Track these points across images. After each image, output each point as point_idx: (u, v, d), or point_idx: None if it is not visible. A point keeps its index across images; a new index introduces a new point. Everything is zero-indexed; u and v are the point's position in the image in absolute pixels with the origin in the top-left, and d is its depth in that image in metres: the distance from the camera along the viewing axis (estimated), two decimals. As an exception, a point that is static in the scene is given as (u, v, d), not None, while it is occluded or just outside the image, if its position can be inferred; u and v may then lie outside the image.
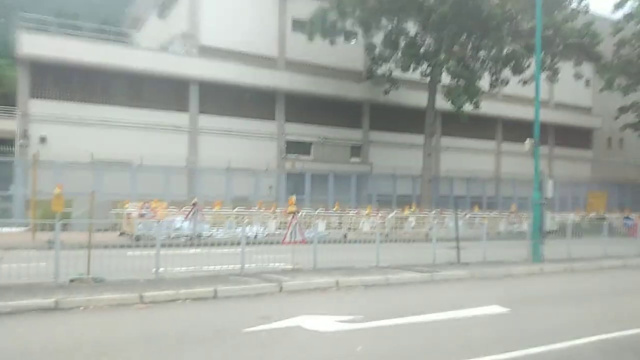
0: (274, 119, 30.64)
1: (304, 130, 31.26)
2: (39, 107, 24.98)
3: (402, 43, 27.96)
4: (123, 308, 7.54)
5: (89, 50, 25.38)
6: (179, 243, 16.78)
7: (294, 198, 12.13)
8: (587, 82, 33.00)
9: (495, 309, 8.47)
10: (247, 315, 7.44)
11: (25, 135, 24.73)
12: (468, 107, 26.63)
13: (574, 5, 25.97)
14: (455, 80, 26.72)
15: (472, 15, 24.40)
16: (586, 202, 34.03)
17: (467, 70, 25.96)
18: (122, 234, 18.06)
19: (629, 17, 33.91)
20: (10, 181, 26.06)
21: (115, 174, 24.55)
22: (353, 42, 31.87)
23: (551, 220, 16.98)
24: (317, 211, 22.10)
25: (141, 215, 17.72)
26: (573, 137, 40.41)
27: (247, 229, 19.33)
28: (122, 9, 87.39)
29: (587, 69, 33.83)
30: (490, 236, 18.16)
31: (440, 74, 26.57)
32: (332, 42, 27.49)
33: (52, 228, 17.38)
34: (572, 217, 25.60)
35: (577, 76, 29.11)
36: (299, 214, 15.50)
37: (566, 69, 30.17)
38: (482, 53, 27.03)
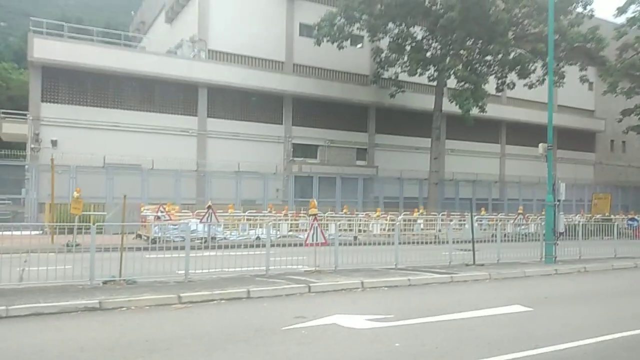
0: (281, 123, 30.96)
1: (311, 133, 31.59)
2: (50, 111, 25.27)
3: (408, 47, 28.29)
4: (162, 308, 7.81)
5: (100, 55, 25.72)
6: (194, 245, 17.04)
7: (315, 201, 12.38)
8: (590, 85, 33.35)
9: (518, 308, 8.73)
10: (283, 315, 7.70)
11: (36, 139, 24.98)
12: (474, 111, 26.97)
13: (579, 9, 26.31)
14: (462, 84, 27.06)
15: (479, 21, 24.75)
16: (590, 204, 34.31)
17: (474, 74, 26.29)
18: (138, 236, 18.31)
19: (632, 21, 34.27)
20: (21, 185, 26.33)
21: (126, 177, 24.81)
22: (359, 46, 32.27)
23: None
24: (326, 214, 22.39)
25: (157, 218, 17.96)
26: (576, 139, 40.77)
27: (260, 231, 19.71)
28: (124, 13, 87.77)
29: (589, 72, 34.15)
30: (495, 238, 18.46)
31: (448, 77, 26.90)
32: (339, 47, 27.80)
33: (70, 231, 17.67)
34: (577, 218, 25.90)
35: (583, 80, 29.46)
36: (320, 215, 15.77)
37: (570, 72, 30.52)
38: (488, 57, 27.36)
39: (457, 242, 15.35)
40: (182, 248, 15.93)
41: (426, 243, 14.74)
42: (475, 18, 24.73)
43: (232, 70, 28.78)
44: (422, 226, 22.67)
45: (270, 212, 22.22)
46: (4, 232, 13.40)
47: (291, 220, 21.23)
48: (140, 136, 26.49)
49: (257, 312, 7.88)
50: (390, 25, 27.87)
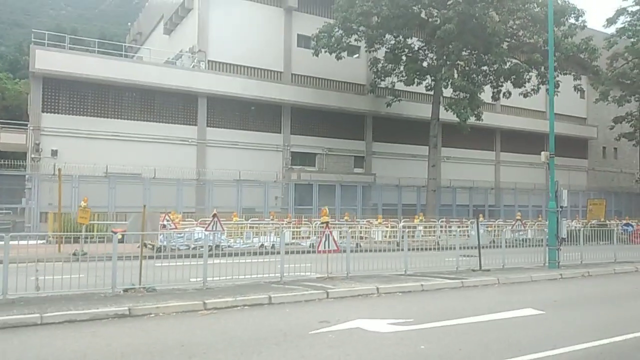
0: (280, 132, 31.25)
1: (309, 141, 31.91)
2: (50, 121, 25.37)
3: (405, 57, 28.78)
4: (189, 314, 8.00)
5: (100, 66, 25.92)
6: (200, 253, 17.15)
7: (327, 209, 12.63)
8: (582, 94, 34.10)
9: (531, 312, 9.02)
10: (307, 319, 7.92)
11: (37, 148, 25.03)
12: (471, 119, 27.45)
13: (572, 20, 26.95)
14: (458, 93, 27.55)
15: (476, 32, 25.29)
16: (585, 210, 34.86)
17: (470, 83, 26.79)
18: (143, 245, 18.39)
19: (621, 31, 35.14)
20: (19, 194, 26.32)
21: (128, 186, 24.91)
22: (356, 56, 32.74)
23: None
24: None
25: (163, 227, 18.09)
26: (570, 146, 41.45)
27: (264, 239, 19.90)
28: (117, 24, 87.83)
29: (582, 80, 34.83)
30: (497, 243, 18.82)
31: (445, 87, 27.38)
32: (337, 58, 28.21)
33: (75, 240, 17.74)
34: (574, 224, 26.35)
35: (577, 89, 30.09)
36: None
37: (563, 81, 31.14)
38: (484, 67, 27.90)
39: (462, 247, 15.63)
40: (192, 256, 16.09)
41: (428, 249, 15.00)
42: (471, 30, 25.27)
43: (231, 81, 29.07)
44: (422, 233, 22.97)
45: (272, 220, 22.42)
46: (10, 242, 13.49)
47: (293, 227, 21.43)
48: (141, 145, 26.63)
49: (281, 317, 8.10)
50: (387, 36, 28.36)
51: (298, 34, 31.72)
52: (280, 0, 31.22)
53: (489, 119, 33.04)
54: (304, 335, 7.01)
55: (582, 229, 18.62)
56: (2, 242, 8.69)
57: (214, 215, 18.97)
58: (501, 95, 29.73)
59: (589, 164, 45.09)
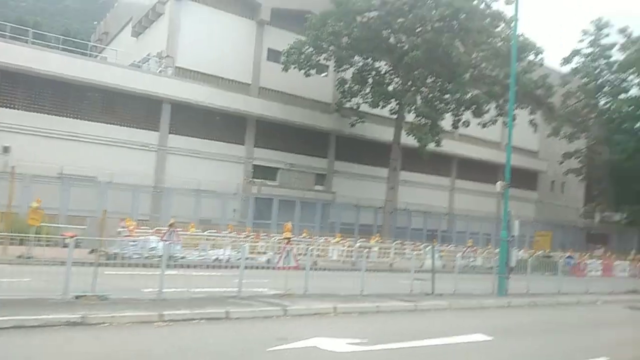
0: (243, 144, 31.18)
1: (272, 155, 31.96)
2: (5, 116, 24.37)
3: (371, 80, 29.45)
4: (145, 325, 7.85)
5: (63, 63, 25.27)
6: (153, 263, 16.80)
7: (290, 225, 12.71)
8: (536, 128, 35.74)
9: (481, 337, 9.34)
10: (265, 336, 7.93)
11: (-13, 144, 23.98)
12: (430, 145, 28.27)
13: (531, 57, 28.35)
14: (420, 118, 28.36)
15: (442, 61, 26.24)
16: (532, 240, 36.29)
17: (433, 110, 27.65)
18: (93, 251, 17.86)
19: (575, 71, 37.19)
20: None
21: (82, 189, 24.18)
22: (324, 75, 33.22)
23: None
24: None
25: (117, 234, 17.63)
26: (520, 178, 43.08)
27: (220, 252, 19.69)
28: (80, 21, 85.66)
29: (536, 115, 36.49)
30: (447, 269, 19.34)
31: (408, 112, 28.14)
32: (306, 75, 28.56)
33: (22, 243, 17.04)
34: (521, 254, 27.37)
35: (532, 124, 31.56)
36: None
37: (518, 115, 32.57)
38: (447, 96, 28.88)
39: (416, 271, 15.98)
40: (144, 266, 15.73)
41: (383, 271, 15.28)
42: (437, 58, 26.20)
43: (197, 88, 28.84)
44: (377, 254, 23.33)
45: (230, 232, 22.22)
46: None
47: (251, 242, 21.30)
48: (99, 148, 25.96)
49: (238, 333, 8.08)
50: (356, 57, 28.98)
51: (269, 48, 31.91)
52: (253, 13, 31.37)
53: (448, 146, 34.06)
54: (261, 352, 7.02)
55: (529, 258, 19.41)
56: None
57: (171, 225, 18.67)
58: (460, 123, 30.77)
59: (538, 196, 47.03)
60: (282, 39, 30.13)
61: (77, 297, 9.36)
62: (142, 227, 21.17)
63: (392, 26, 27.15)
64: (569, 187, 48.81)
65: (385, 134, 32.21)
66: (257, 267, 17.62)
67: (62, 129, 25.25)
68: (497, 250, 16.88)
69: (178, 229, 19.57)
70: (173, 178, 27.57)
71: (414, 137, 28.03)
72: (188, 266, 17.09)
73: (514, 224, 14.96)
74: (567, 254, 29.84)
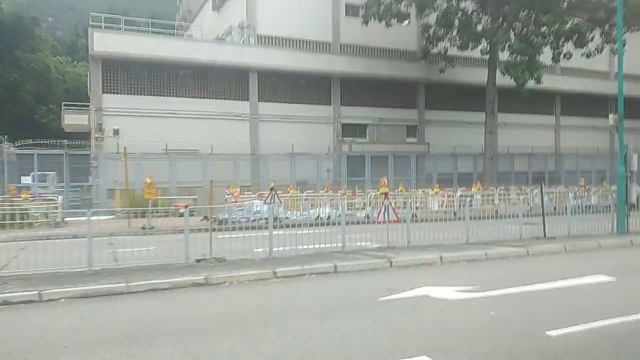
0: (330, 104, 31.20)
1: (360, 112, 31.72)
2: (111, 101, 26.38)
3: (458, 22, 27.83)
4: (261, 282, 8.35)
5: (154, 45, 26.61)
6: (261, 225, 17.64)
7: (385, 180, 12.66)
8: (651, 51, 31.92)
9: (602, 278, 8.81)
10: (374, 287, 8.09)
11: (100, 128, 26.17)
12: (529, 83, 26.40)
13: (639, -28, 25.14)
14: (515, 56, 26.45)
15: (534, -10, 24.08)
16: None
17: (528, 46, 25.65)
18: (205, 218, 19.10)
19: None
20: (85, 173, 27.68)
21: (186, 162, 25.74)
22: (406, 23, 31.94)
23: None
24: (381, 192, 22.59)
25: (224, 201, 18.65)
26: (636, 108, 39.19)
27: (320, 210, 20.17)
28: (165, 2, 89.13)
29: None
30: (560, 211, 18.25)
31: (502, 50, 26.37)
32: (387, 25, 27.63)
33: (142, 215, 18.57)
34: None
35: (645, 46, 28.30)
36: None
37: (631, 39, 29.29)
38: (543, 28, 26.59)
39: (524, 215, 15.30)
40: (253, 228, 16.57)
41: (487, 218, 14.75)
42: (529, -12, 24.08)
43: (280, 54, 29.15)
44: (480, 202, 22.57)
45: (327, 192, 22.64)
46: (80, 218, 14.30)
47: (348, 199, 21.56)
48: (196, 122, 27.30)
49: (349, 285, 8.31)
50: (439, 0, 27.44)
51: (346, 3, 31.24)
52: (327, -30, 30.72)
53: (548, 81, 31.54)
54: (373, 302, 7.18)
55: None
56: (85, 218, 9.27)
57: (272, 189, 19.41)
58: (561, 56, 28.32)
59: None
60: (359, -8, 29.31)
61: (197, 261, 10.13)
62: (245, 193, 22.22)
63: (476, -40, 25.29)
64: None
65: (477, 76, 30.55)
66: (357, 223, 17.88)
67: (161, 107, 26.83)
68: (614, 187, 15.64)
69: (278, 192, 20.31)
70: (267, 144, 28.42)
71: (510, 77, 26.29)
72: (292, 226, 17.73)
73: (632, 157, 13.70)
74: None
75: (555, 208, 19.72)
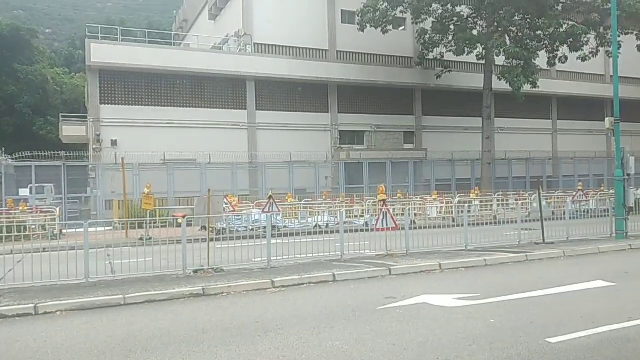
0: (327, 111, 31.23)
1: (357, 119, 31.76)
2: (108, 112, 26.37)
3: (453, 27, 27.94)
4: (259, 293, 8.31)
5: (151, 55, 26.66)
6: (258, 234, 17.60)
7: (383, 187, 12.64)
8: (646, 53, 32.03)
9: (601, 284, 8.79)
10: (373, 296, 8.06)
11: (98, 139, 26.15)
12: (525, 87, 26.47)
13: (633, -25, 25.28)
14: (511, 60, 26.54)
15: (529, -5, 24.21)
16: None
17: (524, 50, 25.74)
18: (203, 228, 19.05)
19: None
20: (85, 184, 27.65)
21: (184, 172, 25.71)
22: (402, 28, 32.10)
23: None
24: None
25: (222, 210, 18.60)
26: (632, 111, 39.26)
27: (319, 218, 20.14)
28: (161, 13, 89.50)
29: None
30: (558, 215, 18.24)
31: (497, 55, 26.46)
32: (383, 32, 27.74)
33: (139, 226, 18.50)
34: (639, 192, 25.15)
35: (640, 49, 28.43)
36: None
37: (625, 41, 29.41)
38: (538, 32, 26.70)
39: (522, 221, 15.28)
40: (251, 237, 16.47)
41: (485, 224, 14.74)
42: (524, -8, 24.20)
43: (277, 62, 29.20)
44: (479, 207, 22.54)
45: (325, 199, 22.62)
46: (77, 230, 14.26)
47: (346, 206, 21.54)
48: (194, 132, 27.30)
49: (347, 294, 8.27)
50: (434, 5, 27.55)
51: (342, 10, 31.36)
52: (322, -23, 30.88)
53: (545, 85, 31.67)
54: (372, 311, 7.14)
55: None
56: (82, 230, 9.23)
57: (270, 197, 19.34)
58: (557, 60, 28.42)
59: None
60: (355, -1, 29.45)
61: (195, 272, 10.08)
62: (243, 202, 22.18)
63: (471, -35, 25.44)
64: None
65: (474, 81, 30.67)
66: (355, 231, 17.83)
67: (159, 117, 26.82)
68: (612, 191, 15.63)
69: (276, 201, 20.26)
70: (265, 153, 28.40)
71: (505, 81, 26.38)
72: (291, 234, 17.69)
73: (629, 161, 13.71)
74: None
75: (553, 213, 19.72)
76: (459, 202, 21.36)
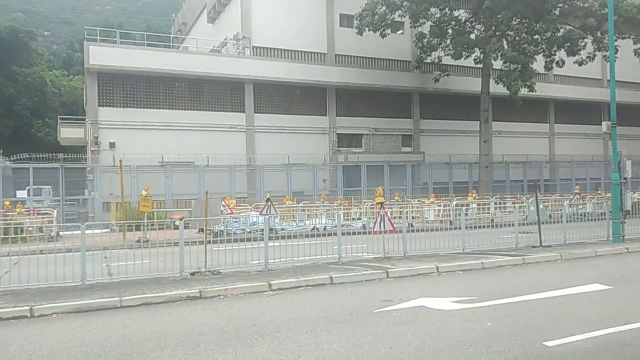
0: (325, 114, 31.27)
1: (355, 122, 31.81)
2: (107, 114, 26.36)
3: (451, 31, 28.03)
4: (256, 295, 8.29)
5: (150, 58, 26.67)
6: (256, 237, 17.58)
7: (381, 189, 12.64)
8: (643, 58, 32.14)
9: (598, 287, 8.80)
10: (370, 298, 8.05)
11: (96, 141, 26.13)
12: (523, 91, 26.55)
13: (630, -21, 25.44)
14: (509, 64, 26.63)
15: (526, 0, 24.28)
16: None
17: (521, 54, 25.83)
18: (200, 230, 19.02)
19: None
20: (83, 186, 27.60)
21: (182, 174, 25.69)
22: (400, 32, 32.19)
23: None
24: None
25: (220, 212, 18.58)
26: (629, 115, 39.37)
27: (316, 221, 20.12)
28: (159, 15, 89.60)
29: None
30: (555, 219, 18.28)
31: (495, 59, 26.54)
32: (382, 35, 27.82)
33: (137, 228, 18.47)
34: (637, 196, 25.19)
35: (637, 53, 28.54)
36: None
37: (622, 45, 29.52)
38: (536, 36, 26.81)
39: (520, 224, 15.29)
40: (248, 240, 16.45)
41: (483, 227, 14.75)
42: (522, -3, 24.30)
43: (276, 65, 29.24)
44: (476, 210, 22.56)
45: (323, 202, 22.61)
46: (74, 232, 14.22)
47: (344, 209, 21.54)
48: (192, 134, 27.30)
49: (345, 297, 8.25)
50: (432, 9, 27.64)
51: (340, 14, 31.45)
52: (321, -20, 30.96)
53: (542, 89, 31.82)
54: (369, 314, 7.14)
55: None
56: (79, 232, 9.21)
57: (268, 200, 19.35)
58: (554, 64, 28.54)
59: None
60: (353, 3, 29.43)
61: (192, 274, 10.06)
62: (241, 205, 22.16)
63: (468, -31, 25.55)
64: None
65: (471, 85, 30.75)
66: (353, 233, 17.83)
67: (157, 120, 26.83)
68: (609, 194, 15.68)
69: (274, 203, 20.25)
70: (263, 155, 28.41)
71: (503, 85, 26.46)
72: (288, 237, 17.68)
73: (626, 164, 13.75)
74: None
75: (550, 216, 19.75)
76: (457, 205, 21.37)
